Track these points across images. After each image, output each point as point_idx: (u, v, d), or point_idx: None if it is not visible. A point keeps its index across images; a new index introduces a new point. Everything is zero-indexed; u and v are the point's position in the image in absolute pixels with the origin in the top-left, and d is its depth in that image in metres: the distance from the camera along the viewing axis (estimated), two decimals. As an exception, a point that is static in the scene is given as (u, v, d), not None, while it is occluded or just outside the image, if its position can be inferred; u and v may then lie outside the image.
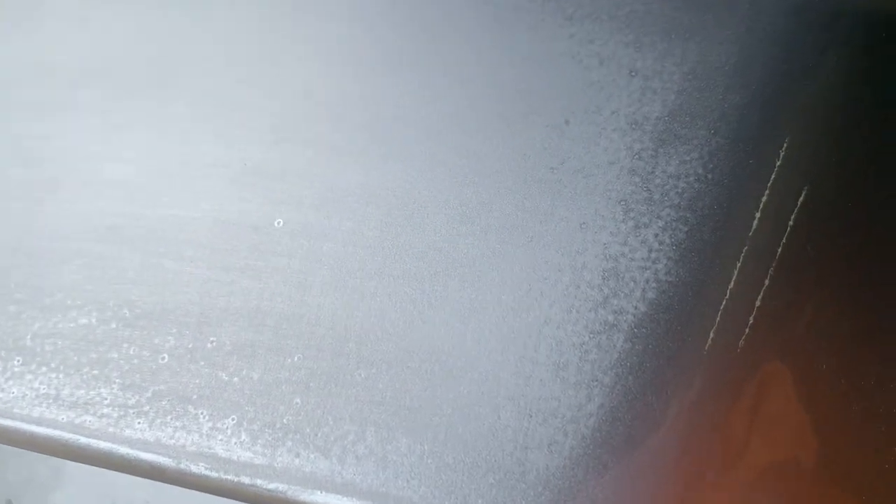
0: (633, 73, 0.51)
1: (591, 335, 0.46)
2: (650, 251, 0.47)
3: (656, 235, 0.47)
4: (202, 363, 0.50)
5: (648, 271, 0.46)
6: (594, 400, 0.44)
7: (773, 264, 0.47)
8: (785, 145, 0.49)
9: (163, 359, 0.51)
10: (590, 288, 0.47)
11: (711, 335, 0.45)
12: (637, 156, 0.49)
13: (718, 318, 0.45)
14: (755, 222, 0.47)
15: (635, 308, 0.46)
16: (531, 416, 0.45)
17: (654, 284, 0.46)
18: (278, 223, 0.53)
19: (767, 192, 0.48)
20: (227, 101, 0.57)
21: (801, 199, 0.48)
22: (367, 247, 0.51)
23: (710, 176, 0.48)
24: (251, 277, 0.52)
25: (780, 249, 0.47)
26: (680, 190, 0.48)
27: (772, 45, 0.51)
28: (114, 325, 0.53)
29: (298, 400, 0.48)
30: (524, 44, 0.54)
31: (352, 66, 0.56)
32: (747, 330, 0.46)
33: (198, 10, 0.60)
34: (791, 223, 0.48)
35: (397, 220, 0.51)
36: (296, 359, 0.49)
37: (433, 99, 0.53)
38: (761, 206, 0.47)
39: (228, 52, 0.58)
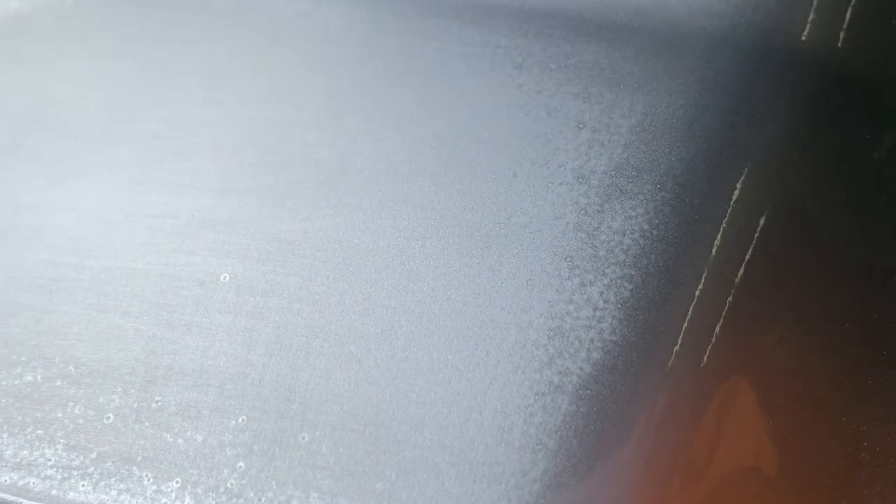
0: (580, 126, 0.51)
1: (537, 397, 0.45)
2: (595, 310, 0.46)
3: (601, 293, 0.47)
4: (147, 423, 0.50)
5: (593, 330, 0.46)
6: (538, 465, 0.44)
7: (720, 323, 0.47)
8: (733, 198, 0.49)
9: (108, 418, 0.51)
10: (535, 347, 0.46)
11: (658, 397, 0.45)
12: (583, 211, 0.49)
13: (665, 379, 0.45)
14: (702, 280, 0.47)
15: (580, 368, 0.45)
16: (475, 482, 0.44)
17: (598, 344, 0.46)
18: (224, 278, 0.52)
19: (714, 248, 0.48)
20: (174, 149, 0.56)
21: (748, 255, 0.48)
22: (314, 303, 0.50)
23: (655, 232, 0.47)
24: (196, 334, 0.51)
25: (726, 308, 0.47)
26: (625, 246, 0.47)
27: (721, 95, 0.51)
28: (59, 383, 0.52)
29: (242, 464, 0.47)
30: (473, 94, 0.53)
31: (298, 114, 0.55)
32: (694, 392, 0.46)
33: (145, 58, 0.59)
34: (737, 280, 0.47)
35: (343, 274, 0.50)
36: (240, 420, 0.48)
37: (379, 150, 0.53)
38: (708, 263, 0.47)
39: (175, 101, 0.58)
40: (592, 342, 0.46)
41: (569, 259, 0.48)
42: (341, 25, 0.57)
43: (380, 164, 0.53)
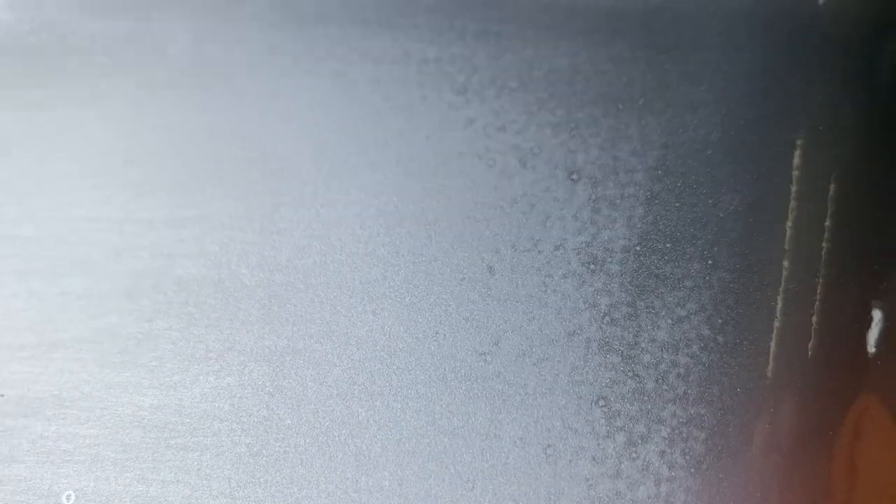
0: (573, 177, 0.33)
1: None
2: (658, 483, 0.30)
3: (663, 454, 0.30)
4: None
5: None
6: None
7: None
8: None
9: None
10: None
11: None
12: (607, 317, 0.32)
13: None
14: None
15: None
16: None
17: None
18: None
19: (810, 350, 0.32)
20: None
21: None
22: None
23: (720, 339, 0.31)
24: None
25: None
26: (682, 368, 0.31)
27: (759, 94, 0.35)
28: None
29: None
30: (399, 141, 0.34)
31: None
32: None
33: None
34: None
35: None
36: None
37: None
38: (802, 368, 0.32)
39: None
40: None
41: (603, 402, 0.30)
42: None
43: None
